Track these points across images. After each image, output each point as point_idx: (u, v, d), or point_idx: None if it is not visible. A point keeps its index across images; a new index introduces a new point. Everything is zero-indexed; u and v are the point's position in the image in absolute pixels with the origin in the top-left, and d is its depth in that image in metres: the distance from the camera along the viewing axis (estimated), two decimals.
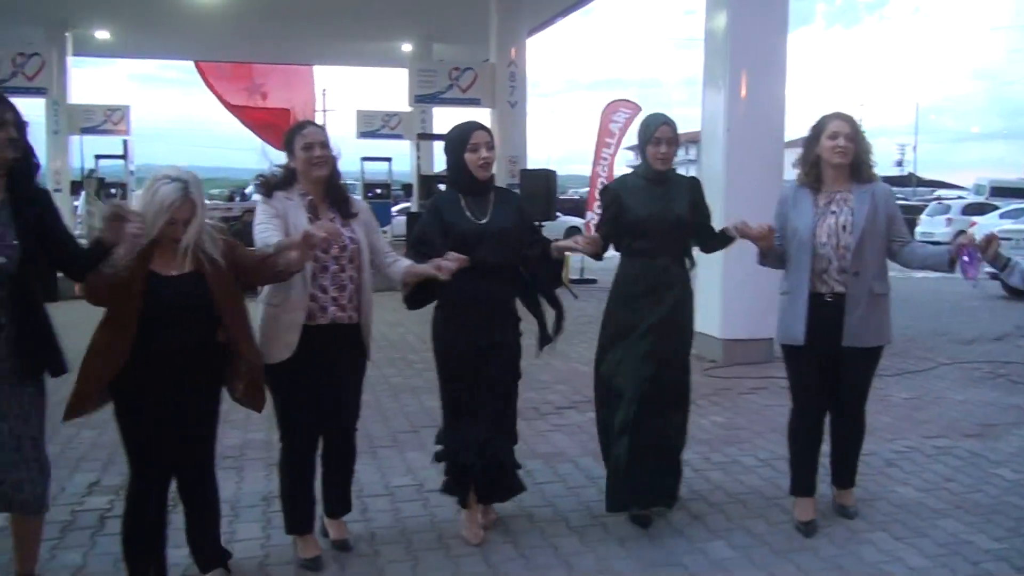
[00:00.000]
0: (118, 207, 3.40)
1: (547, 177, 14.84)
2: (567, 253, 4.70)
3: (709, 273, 8.36)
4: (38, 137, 19.97)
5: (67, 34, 22.15)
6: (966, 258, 4.15)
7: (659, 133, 4.48)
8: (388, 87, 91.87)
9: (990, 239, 4.10)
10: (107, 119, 23.34)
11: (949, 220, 29.82)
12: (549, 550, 4.33)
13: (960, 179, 68.31)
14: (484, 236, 4.20)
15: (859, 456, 4.80)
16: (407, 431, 6.28)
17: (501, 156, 16.21)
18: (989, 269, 4.41)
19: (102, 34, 22.97)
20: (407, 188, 22.32)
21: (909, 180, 65.40)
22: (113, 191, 21.16)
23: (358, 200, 4.26)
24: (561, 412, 6.87)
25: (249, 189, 38.85)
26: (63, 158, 22.26)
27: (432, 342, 4.37)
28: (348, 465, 4.34)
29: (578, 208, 24.90)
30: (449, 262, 3.98)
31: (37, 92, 15.52)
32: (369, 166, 25.33)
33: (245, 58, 27.42)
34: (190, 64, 28.87)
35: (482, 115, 17.30)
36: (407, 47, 23.61)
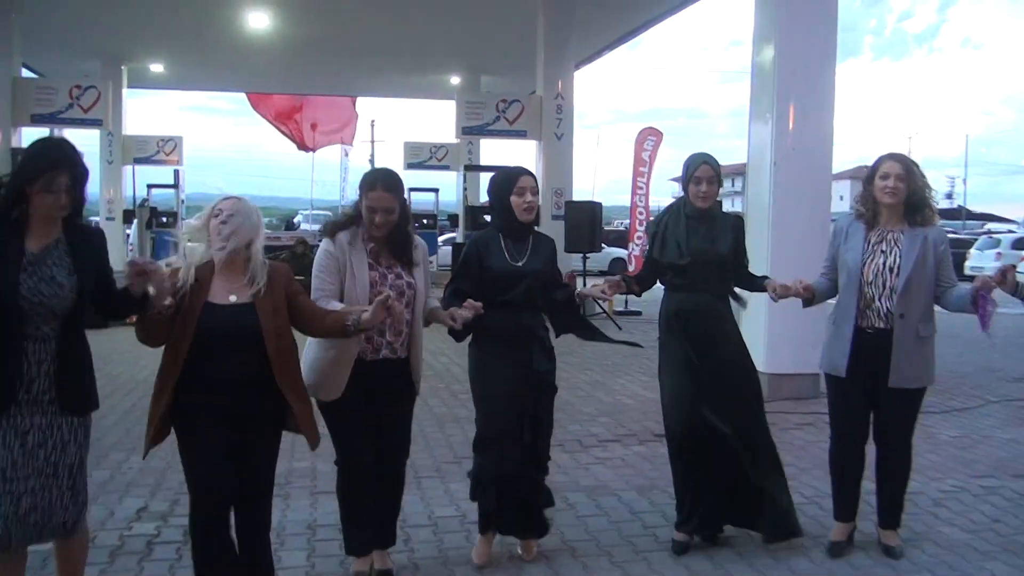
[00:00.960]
0: (138, 264, 3.43)
1: (592, 209, 14.92)
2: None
3: (753, 306, 8.31)
4: (92, 167, 20.46)
5: (122, 67, 22.78)
6: (979, 308, 4.21)
7: (699, 172, 4.60)
8: (436, 118, 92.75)
9: (1005, 271, 4.14)
10: (160, 149, 23.80)
11: (999, 254, 29.32)
12: None
13: (1011, 212, 67.32)
14: (518, 278, 4.35)
15: (904, 495, 4.78)
16: (451, 461, 6.32)
17: (546, 188, 16.33)
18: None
19: (156, 67, 23.57)
20: (452, 218, 22.43)
21: (959, 213, 64.52)
22: (164, 220, 21.52)
23: (420, 243, 4.32)
24: (605, 445, 6.87)
25: (298, 219, 39.34)
26: (116, 188, 22.75)
27: (469, 375, 4.51)
28: (396, 499, 4.41)
29: (623, 239, 24.90)
30: (465, 311, 4.10)
31: (92, 124, 15.84)
32: (416, 196, 25.55)
33: (295, 89, 27.80)
34: (239, 95, 29.23)
35: (528, 147, 17.45)
36: (455, 79, 23.88)
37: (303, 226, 36.41)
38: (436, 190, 26.51)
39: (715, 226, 4.68)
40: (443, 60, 22.35)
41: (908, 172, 4.46)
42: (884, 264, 4.46)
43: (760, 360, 8.60)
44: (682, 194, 4.81)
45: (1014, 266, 4.27)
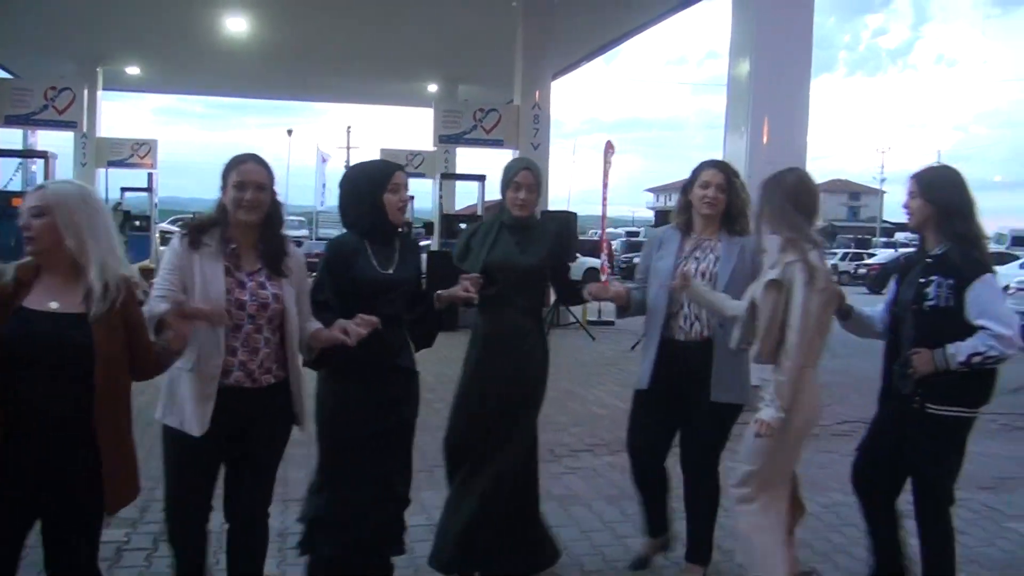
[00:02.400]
0: None
1: (568, 219, 14.96)
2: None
3: None
4: (66, 169, 20.34)
5: (98, 69, 22.68)
6: None
7: (519, 178, 4.28)
8: (412, 126, 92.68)
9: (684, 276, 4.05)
10: (134, 153, 23.68)
11: None
12: None
13: (983, 227, 67.66)
14: (390, 288, 3.84)
15: (713, 525, 4.40)
16: (422, 470, 6.27)
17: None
18: None
19: (132, 70, 23.52)
20: (428, 226, 22.43)
21: None
22: (137, 223, 21.43)
23: (295, 252, 3.62)
24: (576, 455, 6.90)
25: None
26: None
27: (324, 410, 3.88)
28: (257, 558, 3.68)
29: (596, 249, 24.99)
30: (359, 326, 3.48)
31: (67, 126, 15.79)
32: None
33: (273, 95, 27.81)
34: (214, 99, 29.16)
35: (505, 156, 17.46)
36: (433, 87, 23.96)
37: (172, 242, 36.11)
38: (411, 197, 26.40)
39: (529, 236, 4.32)
40: (421, 68, 22.39)
41: (730, 182, 4.25)
42: (697, 270, 4.21)
43: None
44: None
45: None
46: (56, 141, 20.54)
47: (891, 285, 4.16)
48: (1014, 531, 5.40)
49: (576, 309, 14.81)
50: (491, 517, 4.19)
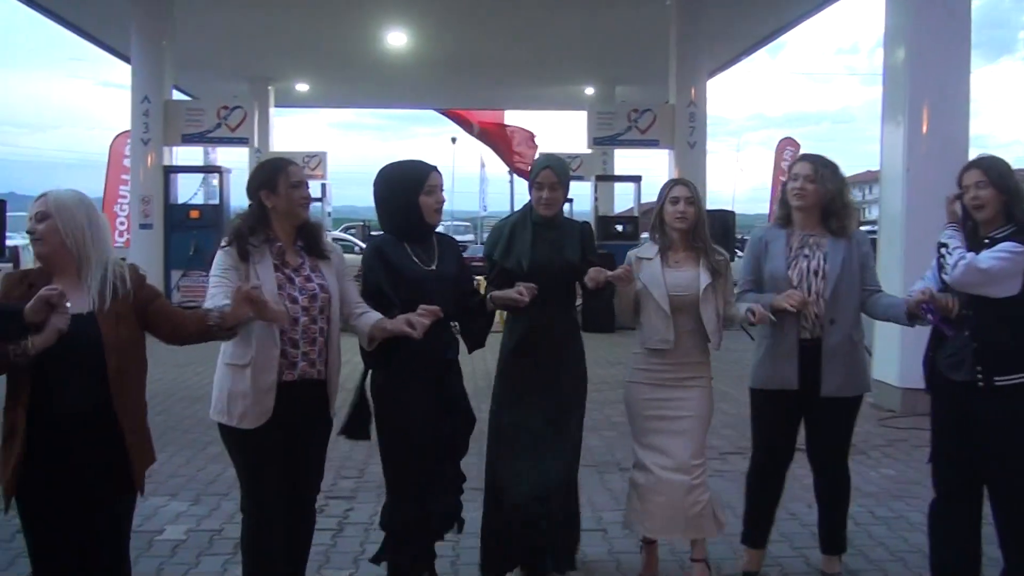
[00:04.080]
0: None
1: (725, 218, 14.75)
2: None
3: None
4: (242, 182, 21.40)
5: (269, 88, 23.79)
6: (930, 316, 3.81)
7: (541, 178, 4.23)
8: (569, 128, 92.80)
9: (948, 304, 3.76)
10: (305, 164, 24.70)
11: None
12: None
13: None
14: (435, 283, 3.87)
15: (846, 518, 4.49)
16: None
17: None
18: None
19: (302, 87, 24.54)
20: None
21: None
22: None
23: (331, 243, 3.82)
24: (725, 458, 6.83)
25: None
26: None
27: (385, 406, 3.91)
28: (308, 539, 3.88)
29: None
30: (422, 317, 3.55)
31: (239, 142, 16.56)
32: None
33: (436, 105, 28.50)
34: (386, 111, 30.12)
35: (661, 156, 17.35)
36: (590, 90, 23.97)
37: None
38: (571, 200, 26.55)
39: (563, 234, 4.30)
40: (577, 71, 22.46)
41: (818, 173, 4.24)
42: (808, 268, 4.24)
43: (893, 374, 8.38)
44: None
45: (951, 300, 3.78)
46: (234, 157, 21.68)
47: (929, 273, 4.01)
48: None
49: None
50: (536, 521, 4.15)
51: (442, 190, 3.95)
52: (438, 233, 4.06)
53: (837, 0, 16.07)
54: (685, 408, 4.25)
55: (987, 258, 3.64)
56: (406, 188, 3.88)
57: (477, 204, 41.12)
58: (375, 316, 3.69)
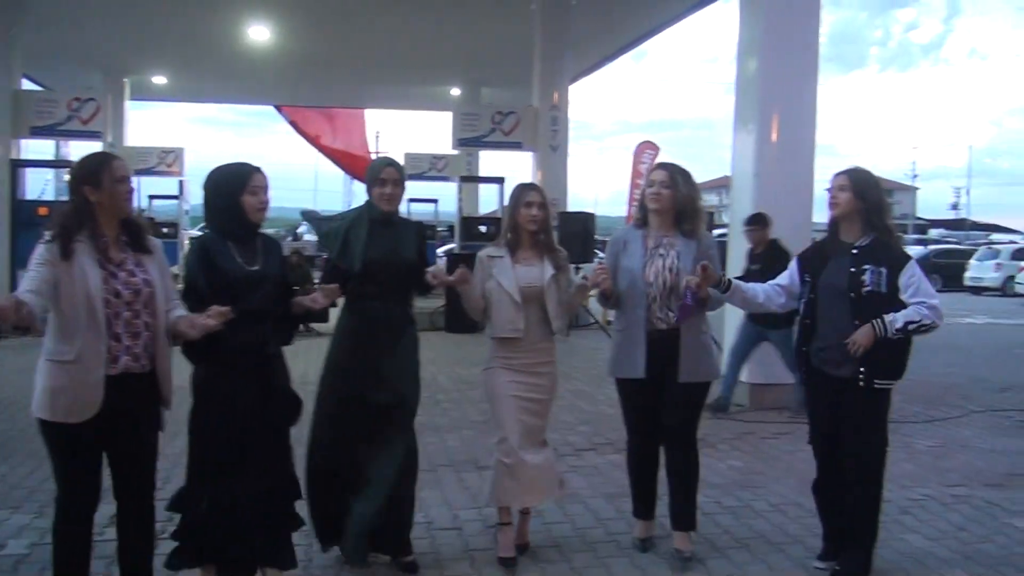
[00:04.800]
0: None
1: (585, 220, 15.05)
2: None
3: (735, 317, 8.43)
4: None
5: (125, 80, 22.96)
6: (689, 301, 4.40)
7: (384, 175, 4.47)
8: (437, 130, 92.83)
9: (703, 267, 4.34)
10: (161, 161, 24.01)
11: (999, 265, 29.48)
12: None
13: (1017, 223, 67.30)
14: (257, 283, 3.93)
15: (695, 495, 4.81)
16: (425, 470, 6.37)
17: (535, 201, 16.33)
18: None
19: (159, 79, 23.79)
20: (452, 229, 22.59)
21: (963, 224, 64.47)
22: (165, 230, 21.67)
23: (153, 240, 3.84)
24: (580, 454, 6.95)
25: (301, 228, 39.51)
26: None
27: (201, 399, 3.95)
28: (148, 533, 3.90)
29: None
30: (210, 318, 3.61)
31: (92, 136, 15.90)
32: (416, 207, 25.68)
33: (299, 102, 28.05)
34: (246, 107, 29.62)
35: (525, 158, 17.54)
36: (456, 91, 24.03)
37: (306, 236, 36.73)
38: (435, 201, 26.61)
39: (400, 231, 4.56)
40: (443, 72, 22.48)
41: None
42: (664, 266, 4.58)
43: (743, 372, 8.71)
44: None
45: (707, 264, 4.40)
46: (85, 151, 20.84)
47: (793, 271, 4.63)
48: (1014, 527, 5.37)
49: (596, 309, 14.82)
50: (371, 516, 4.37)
51: (266, 191, 4.01)
52: (262, 234, 4.13)
53: (696, 11, 16.57)
54: (538, 391, 4.65)
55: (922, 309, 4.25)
56: (230, 188, 3.94)
57: (341, 203, 40.59)
58: (176, 313, 3.76)
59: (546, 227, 4.68)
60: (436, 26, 17.56)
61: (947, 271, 31.93)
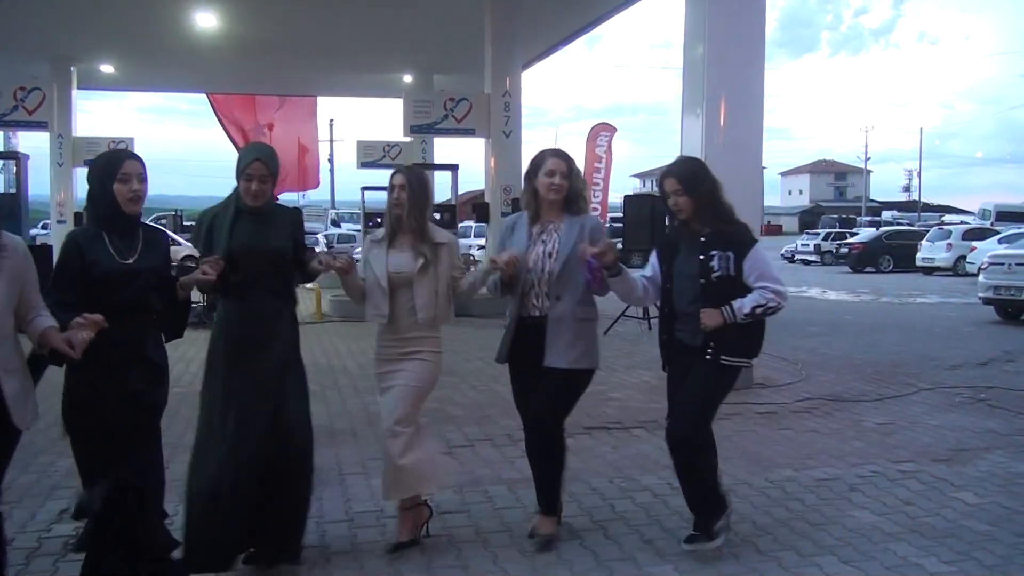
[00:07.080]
0: None
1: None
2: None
3: None
4: (43, 169, 20.26)
5: (72, 68, 22.46)
6: (588, 274, 4.40)
7: (251, 170, 4.23)
8: (390, 117, 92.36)
9: (608, 247, 4.36)
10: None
11: (949, 246, 29.97)
12: (499, 574, 4.42)
13: (968, 204, 68.28)
14: (130, 277, 3.77)
15: (560, 481, 4.75)
16: (377, 458, 6.35)
17: (495, 185, 16.37)
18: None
19: (107, 68, 23.37)
20: None
21: (915, 205, 65.37)
22: None
23: (11, 238, 3.48)
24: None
25: None
26: (67, 190, 22.39)
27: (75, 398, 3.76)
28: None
29: None
30: (82, 330, 3.36)
31: (37, 126, 15.69)
32: (370, 195, 25.51)
33: (250, 90, 27.76)
34: (198, 96, 29.17)
35: (478, 144, 17.50)
36: (408, 78, 23.88)
37: None
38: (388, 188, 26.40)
39: (269, 221, 4.31)
40: (395, 59, 22.32)
41: (570, 169, 4.64)
42: (545, 251, 4.57)
43: None
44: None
45: (613, 244, 4.43)
46: (33, 142, 20.49)
47: (652, 261, 4.73)
48: (960, 501, 5.44)
49: None
50: (236, 508, 4.14)
51: (141, 180, 3.81)
52: (146, 226, 3.98)
53: None
54: (398, 377, 4.54)
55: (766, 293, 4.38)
56: (101, 176, 3.78)
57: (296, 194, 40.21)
58: (45, 323, 3.47)
59: (414, 211, 4.54)
60: (387, 12, 17.46)
61: (899, 252, 32.43)
